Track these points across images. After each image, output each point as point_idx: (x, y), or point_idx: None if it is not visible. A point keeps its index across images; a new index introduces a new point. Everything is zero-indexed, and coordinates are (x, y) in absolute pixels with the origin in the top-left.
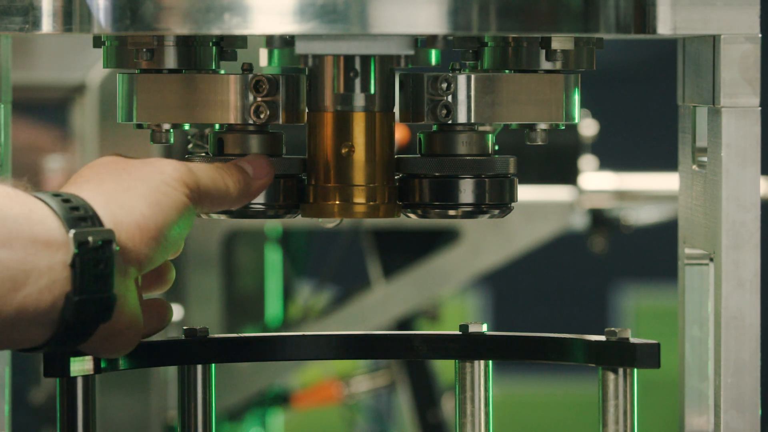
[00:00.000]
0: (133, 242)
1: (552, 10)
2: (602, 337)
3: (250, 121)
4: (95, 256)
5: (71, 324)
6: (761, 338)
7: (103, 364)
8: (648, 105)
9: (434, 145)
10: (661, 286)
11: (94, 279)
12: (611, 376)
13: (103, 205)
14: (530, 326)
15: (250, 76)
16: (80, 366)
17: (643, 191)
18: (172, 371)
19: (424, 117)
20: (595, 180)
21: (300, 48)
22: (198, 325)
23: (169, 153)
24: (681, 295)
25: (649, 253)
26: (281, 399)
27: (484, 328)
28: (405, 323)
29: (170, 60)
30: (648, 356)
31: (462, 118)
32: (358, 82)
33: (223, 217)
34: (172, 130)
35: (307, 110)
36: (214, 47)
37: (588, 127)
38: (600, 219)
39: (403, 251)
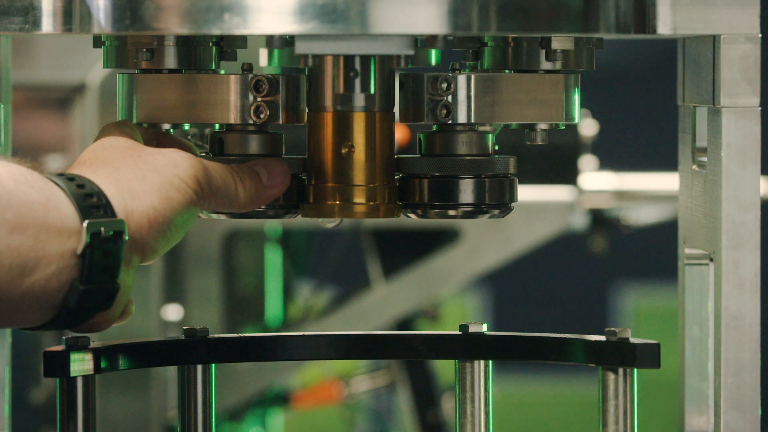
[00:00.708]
0: (140, 233)
1: (552, 10)
2: (602, 337)
3: (250, 121)
4: (105, 246)
5: (72, 310)
6: (761, 338)
7: (103, 364)
8: (648, 105)
9: (434, 145)
10: (661, 286)
11: (101, 269)
12: (611, 376)
13: (117, 193)
14: (530, 326)
15: (250, 76)
16: (80, 366)
17: (643, 191)
18: (172, 371)
19: (424, 117)
20: (595, 180)
21: (300, 48)
22: (198, 325)
23: None
24: (681, 295)
25: (649, 253)
26: (281, 399)
27: (484, 328)
28: (405, 323)
29: (170, 60)
30: (648, 356)
31: (462, 118)
32: (358, 82)
33: (223, 217)
34: (172, 130)
35: (307, 110)
36: (214, 47)
37: (588, 127)
38: (600, 219)
39: (403, 251)
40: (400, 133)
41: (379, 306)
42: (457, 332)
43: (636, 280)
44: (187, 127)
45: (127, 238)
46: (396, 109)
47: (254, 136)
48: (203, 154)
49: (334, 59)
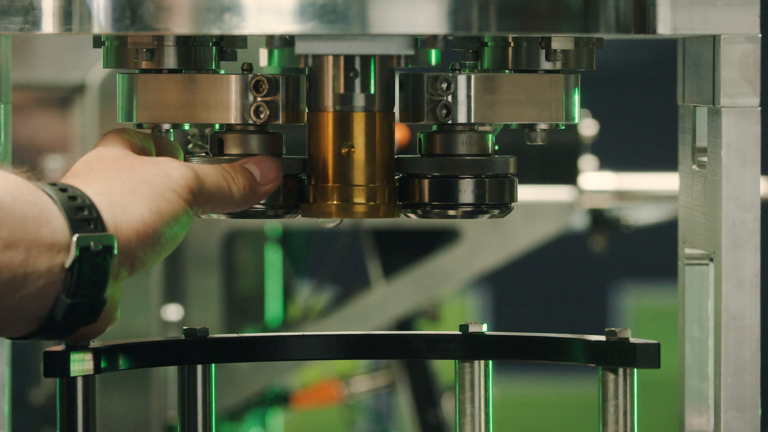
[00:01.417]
0: (129, 246)
1: (552, 10)
2: (602, 337)
3: (250, 121)
4: (94, 261)
5: (58, 323)
6: (761, 338)
7: (103, 364)
8: (648, 105)
9: (434, 145)
10: (661, 286)
11: (88, 283)
12: (611, 376)
13: (107, 207)
14: (530, 326)
15: (250, 76)
16: (80, 366)
17: (643, 191)
18: (172, 371)
19: (424, 117)
20: (595, 180)
21: (300, 48)
22: (198, 325)
23: None
24: (681, 295)
25: (649, 253)
26: (281, 399)
27: (484, 328)
28: (405, 323)
29: (170, 60)
30: (648, 356)
31: (462, 118)
32: (358, 82)
33: (223, 217)
34: (172, 130)
35: (307, 110)
36: (214, 47)
37: (588, 127)
38: (600, 219)
39: (403, 251)
40: (400, 133)
41: (379, 306)
42: (457, 332)
43: (636, 280)
44: (187, 127)
45: (116, 252)
46: (396, 109)
47: (254, 136)
48: (203, 155)
49: (334, 59)
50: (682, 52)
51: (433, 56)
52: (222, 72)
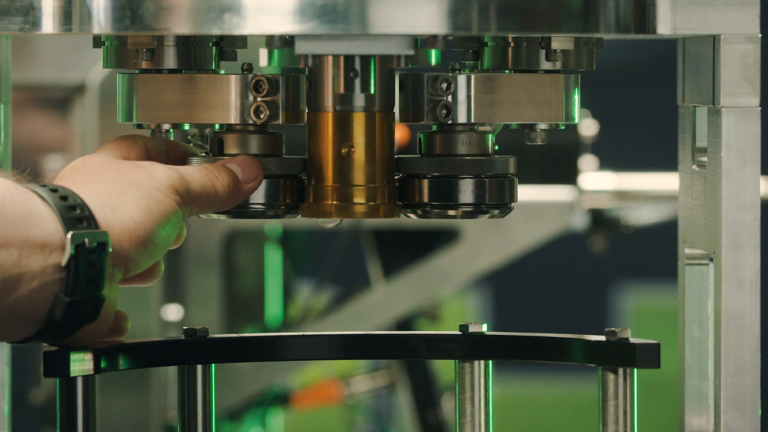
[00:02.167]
0: (122, 246)
1: (552, 10)
2: (602, 337)
3: (250, 121)
4: (89, 258)
5: (58, 323)
6: (761, 338)
7: (103, 364)
8: (648, 105)
9: (434, 145)
10: (661, 286)
11: (86, 281)
12: (611, 376)
13: (97, 207)
14: (530, 326)
15: (250, 76)
16: (80, 366)
17: (643, 191)
18: (172, 371)
19: (424, 117)
20: (595, 180)
21: (300, 48)
22: (198, 325)
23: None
24: (681, 295)
25: (649, 253)
26: (281, 399)
27: (484, 328)
28: (405, 323)
29: (170, 60)
30: (648, 356)
31: (462, 118)
32: (358, 82)
33: (223, 217)
34: (172, 130)
35: (307, 110)
36: (214, 47)
37: (588, 127)
38: (600, 219)
39: (403, 251)
40: (400, 133)
41: (379, 306)
42: (457, 332)
43: (636, 280)
44: (187, 127)
45: (110, 249)
46: (396, 109)
47: (254, 136)
48: (203, 155)
49: (334, 59)
50: (682, 52)
51: (433, 56)
52: (222, 72)
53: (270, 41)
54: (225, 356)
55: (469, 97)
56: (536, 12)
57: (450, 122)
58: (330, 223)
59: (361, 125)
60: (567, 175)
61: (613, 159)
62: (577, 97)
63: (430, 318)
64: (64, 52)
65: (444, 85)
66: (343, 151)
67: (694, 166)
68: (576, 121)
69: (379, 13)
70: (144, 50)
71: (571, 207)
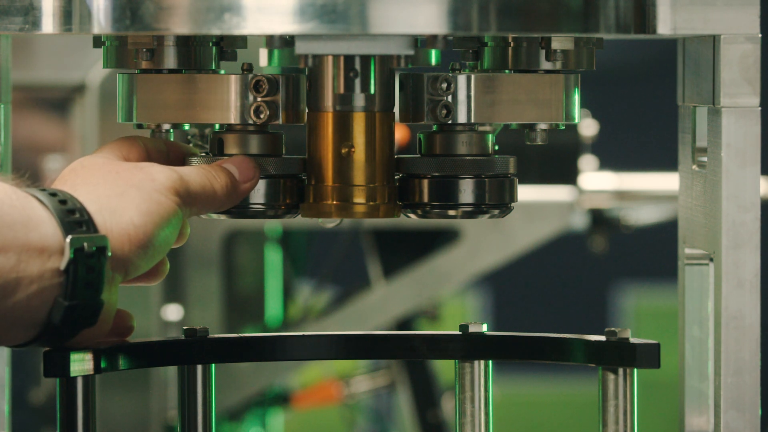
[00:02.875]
0: (122, 250)
1: (552, 10)
2: (602, 337)
3: (250, 121)
4: (88, 262)
5: (57, 327)
6: (761, 338)
7: (103, 364)
8: (648, 105)
9: (434, 145)
10: (661, 286)
11: (85, 285)
12: (611, 376)
13: (96, 211)
14: (530, 326)
15: (250, 76)
16: (80, 366)
17: (643, 191)
18: (172, 371)
19: (424, 117)
20: (595, 180)
21: (300, 48)
22: (198, 325)
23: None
24: (681, 295)
25: (649, 253)
26: (281, 399)
27: (484, 328)
28: (405, 323)
29: (170, 60)
30: (648, 356)
31: (462, 118)
32: (358, 82)
33: (223, 217)
34: (172, 130)
35: (307, 110)
36: (214, 47)
37: (588, 127)
38: (600, 219)
39: (403, 251)
40: (400, 133)
41: (379, 306)
42: (457, 332)
43: (636, 280)
44: (187, 127)
45: (110, 254)
46: (396, 109)
47: (254, 136)
48: (203, 155)
49: (334, 59)
50: (682, 52)
51: (433, 56)
52: (222, 72)
53: (270, 41)
54: (225, 356)
55: (469, 97)
56: (536, 12)
57: (450, 122)
58: (330, 223)
59: (361, 125)
60: (567, 175)
61: (613, 159)
62: (577, 97)
63: (430, 318)
64: (64, 52)
65: (444, 85)
66: (343, 151)
67: (694, 166)
68: (576, 121)
69: (379, 13)
70: (144, 50)
71: (571, 207)
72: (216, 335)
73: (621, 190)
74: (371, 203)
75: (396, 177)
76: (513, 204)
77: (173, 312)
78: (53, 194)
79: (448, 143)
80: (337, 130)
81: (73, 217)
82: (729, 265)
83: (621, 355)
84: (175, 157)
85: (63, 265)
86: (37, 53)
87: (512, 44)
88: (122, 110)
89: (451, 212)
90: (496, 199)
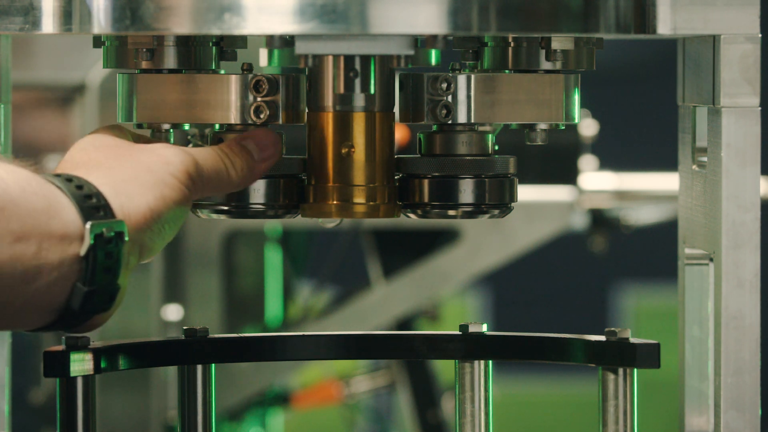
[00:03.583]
0: (138, 234)
1: (552, 10)
2: (602, 337)
3: (250, 121)
4: (107, 248)
5: (75, 312)
6: (761, 338)
7: (103, 364)
8: (648, 105)
9: (434, 145)
10: (661, 286)
11: (103, 270)
12: (611, 376)
13: (113, 195)
14: (530, 326)
15: (250, 76)
16: (80, 366)
17: (643, 191)
18: (172, 371)
19: (424, 117)
20: (595, 180)
21: (300, 48)
22: (198, 325)
23: None
24: (681, 295)
25: (649, 253)
26: (281, 399)
27: (484, 328)
28: (405, 323)
29: (170, 60)
30: (648, 356)
31: (462, 118)
32: (358, 82)
33: (223, 217)
34: (172, 130)
35: (307, 110)
36: (214, 47)
37: (588, 127)
38: (600, 219)
39: (403, 251)
40: (400, 133)
41: (379, 306)
42: (457, 332)
43: (636, 280)
44: (187, 127)
45: (127, 239)
46: (396, 109)
47: None
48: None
49: (334, 59)
50: (682, 52)
51: (433, 56)
52: (222, 72)
53: (270, 41)
54: (225, 356)
55: (469, 97)
56: (536, 12)
57: (450, 122)
58: (330, 223)
59: (361, 125)
60: (567, 175)
61: (613, 159)
62: (577, 97)
63: (430, 318)
64: (64, 52)
65: (444, 85)
66: (343, 151)
67: (694, 166)
68: (576, 121)
69: (379, 13)
70: (144, 50)
71: (571, 207)
72: (216, 335)
73: (621, 190)
74: (371, 203)
75: (396, 177)
76: (513, 204)
77: (173, 312)
78: (69, 179)
79: (448, 143)
80: (337, 130)
81: (91, 202)
82: (729, 265)
83: (621, 355)
84: None
85: (83, 251)
86: (37, 53)
87: (512, 44)
88: (122, 110)
89: (451, 212)
90: (496, 199)
